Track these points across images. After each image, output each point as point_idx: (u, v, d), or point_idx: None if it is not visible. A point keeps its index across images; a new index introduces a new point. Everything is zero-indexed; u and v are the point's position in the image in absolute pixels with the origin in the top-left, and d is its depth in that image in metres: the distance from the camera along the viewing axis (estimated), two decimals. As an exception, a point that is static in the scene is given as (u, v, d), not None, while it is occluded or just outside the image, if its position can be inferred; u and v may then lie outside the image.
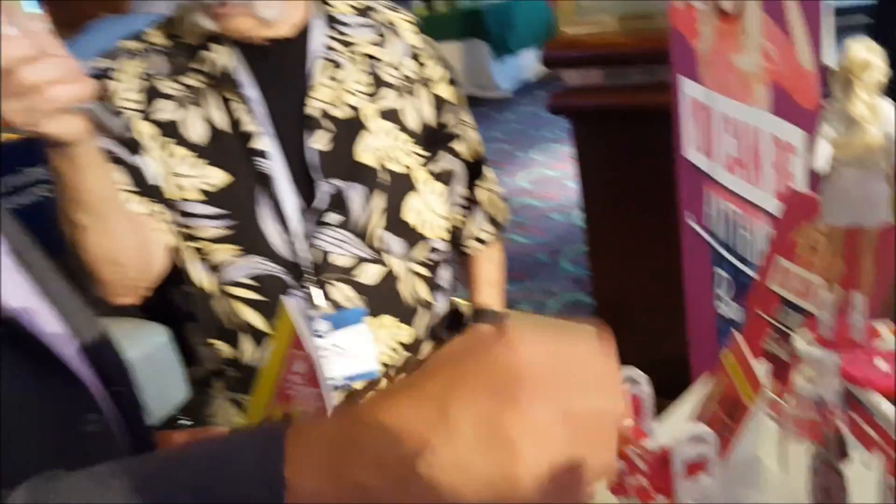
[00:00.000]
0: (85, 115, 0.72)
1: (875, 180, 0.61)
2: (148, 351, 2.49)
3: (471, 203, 1.20)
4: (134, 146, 0.99)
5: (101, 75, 1.01)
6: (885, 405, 0.56)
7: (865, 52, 0.58)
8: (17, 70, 0.64)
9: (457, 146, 1.16)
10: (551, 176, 4.69)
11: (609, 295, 2.07)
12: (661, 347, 1.45)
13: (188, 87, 1.01)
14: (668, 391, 0.89)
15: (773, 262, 0.84)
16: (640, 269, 1.83)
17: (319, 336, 1.02)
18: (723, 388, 0.75)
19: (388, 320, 1.07)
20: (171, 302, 1.12)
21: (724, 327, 1.25)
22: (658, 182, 1.50)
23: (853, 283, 0.65)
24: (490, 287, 1.24)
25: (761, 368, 0.73)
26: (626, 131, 1.78)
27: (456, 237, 1.21)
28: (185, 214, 1.01)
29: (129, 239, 0.93)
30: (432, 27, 6.66)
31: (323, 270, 1.02)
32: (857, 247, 0.65)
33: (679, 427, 0.73)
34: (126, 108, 1.00)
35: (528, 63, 6.98)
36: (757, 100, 1.10)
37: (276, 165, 1.01)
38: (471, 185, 1.20)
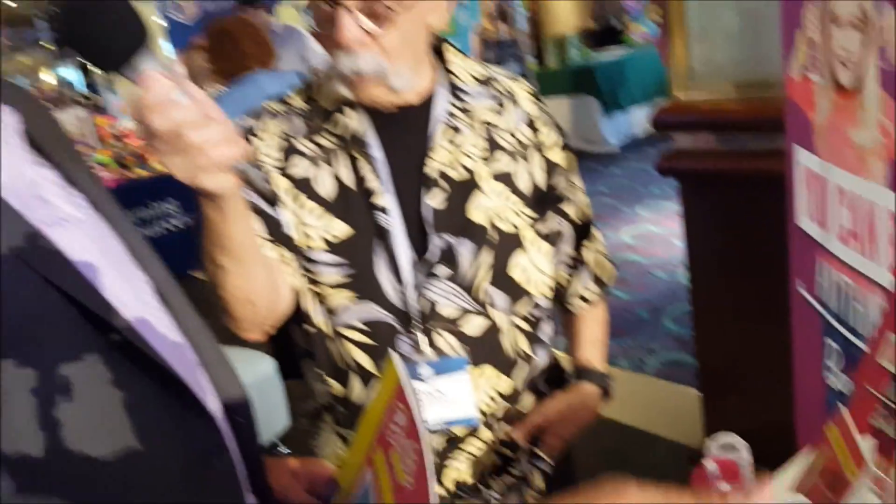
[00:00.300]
0: (236, 171, 0.80)
1: None
2: (255, 379, 2.62)
3: (577, 262, 1.23)
4: (272, 198, 1.08)
5: (247, 133, 1.12)
6: None
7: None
8: (184, 133, 0.73)
9: (566, 208, 1.20)
10: (656, 233, 4.64)
11: (713, 358, 2.04)
12: (765, 415, 1.42)
13: (321, 146, 1.10)
14: (769, 460, 0.89)
15: (885, 337, 0.83)
16: (747, 334, 1.80)
17: (422, 380, 1.07)
18: (825, 460, 0.75)
19: (488, 370, 1.11)
20: (292, 339, 1.20)
21: (831, 399, 1.22)
22: (767, 248, 1.48)
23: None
24: (592, 346, 1.26)
25: (867, 444, 0.72)
26: (737, 195, 1.76)
27: (560, 295, 1.24)
28: (310, 261, 1.09)
29: (263, 281, 1.02)
30: (544, 83, 6.79)
31: (430, 319, 1.08)
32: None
33: (778, 496, 0.74)
34: (266, 164, 1.10)
35: (637, 119, 6.96)
36: (873, 174, 1.09)
37: (394, 220, 1.08)
38: (578, 246, 1.23)
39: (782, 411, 1.42)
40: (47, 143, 0.63)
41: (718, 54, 1.84)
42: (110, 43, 0.67)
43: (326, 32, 1.00)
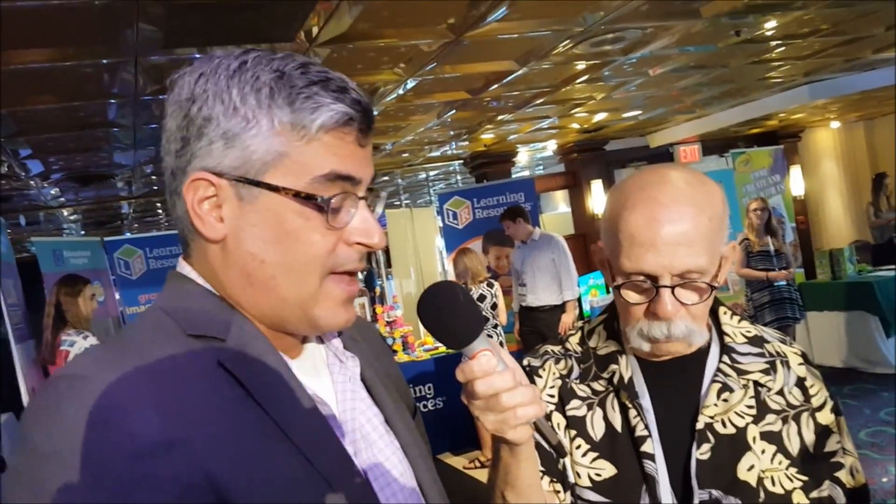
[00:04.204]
0: (533, 424, 0.92)
1: None
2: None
3: None
4: (557, 447, 1.18)
5: (531, 372, 1.24)
6: None
7: None
8: (501, 395, 0.86)
9: (836, 471, 1.16)
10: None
11: None
12: None
13: (594, 389, 1.19)
14: None
15: None
16: None
17: None
18: None
19: None
20: None
21: None
22: None
23: None
24: None
25: None
26: None
27: None
28: (578, 497, 1.16)
29: None
30: (812, 295, 6.41)
31: None
32: None
33: None
34: (545, 401, 1.20)
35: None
36: None
37: (659, 468, 1.12)
38: None
39: None
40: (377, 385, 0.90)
41: None
42: (458, 331, 0.85)
43: (637, 301, 1.09)
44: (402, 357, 5.99)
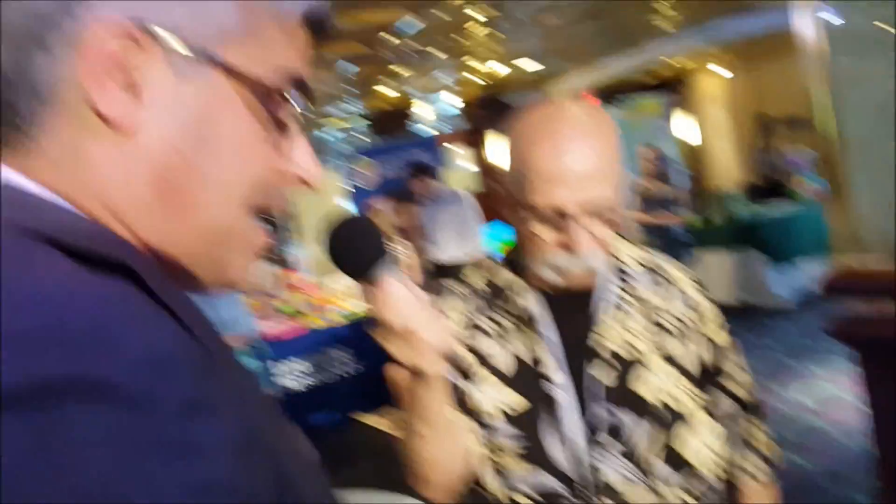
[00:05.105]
0: (445, 355, 0.94)
1: None
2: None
3: (747, 442, 1.25)
4: (464, 373, 1.20)
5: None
6: None
7: None
8: (410, 324, 0.88)
9: (733, 388, 1.23)
10: (833, 393, 4.36)
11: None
12: None
13: (499, 324, 1.22)
14: None
15: None
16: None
17: None
18: None
19: None
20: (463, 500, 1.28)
21: None
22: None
23: None
24: None
25: None
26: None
27: (731, 475, 1.25)
28: (490, 431, 1.18)
29: (455, 449, 1.13)
30: (706, 237, 6.73)
31: (599, 491, 1.13)
32: None
33: None
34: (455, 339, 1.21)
35: (808, 274, 6.70)
36: None
37: (567, 395, 1.16)
38: (746, 425, 1.25)
39: None
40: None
41: (884, 221, 1.84)
42: (358, 257, 0.87)
43: (549, 236, 1.10)
44: (318, 322, 5.93)
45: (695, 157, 10.19)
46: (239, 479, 0.40)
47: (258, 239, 0.57)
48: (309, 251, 8.37)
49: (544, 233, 1.10)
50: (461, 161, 12.29)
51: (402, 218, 6.98)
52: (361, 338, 5.96)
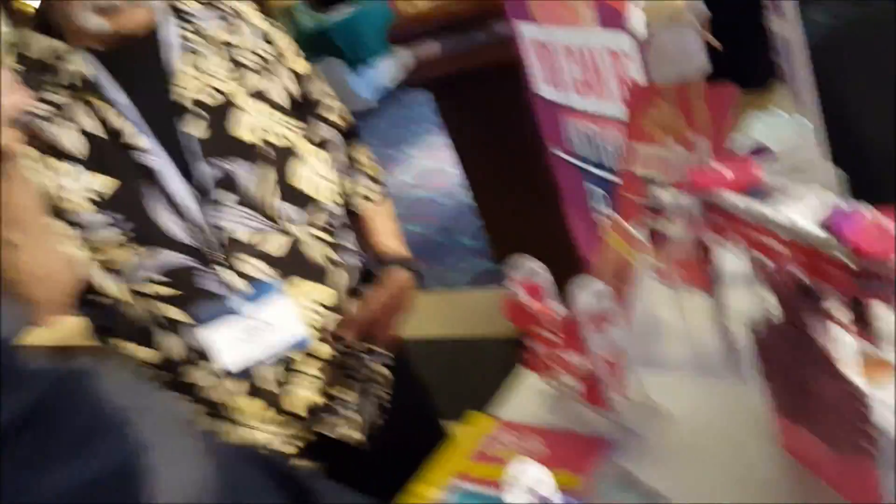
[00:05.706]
0: (21, 126, 0.73)
1: (687, 35, 0.70)
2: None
3: (353, 165, 1.27)
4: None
5: None
6: (732, 196, 0.63)
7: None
8: None
9: (326, 114, 1.22)
10: (431, 166, 4.79)
11: (506, 247, 2.14)
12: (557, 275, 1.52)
13: (52, 102, 1.01)
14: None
15: (630, 149, 0.92)
16: (530, 216, 1.90)
17: (241, 315, 1.05)
18: (610, 259, 0.83)
19: (304, 285, 1.10)
20: (86, 317, 1.11)
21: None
22: (525, 130, 1.58)
23: (694, 130, 0.73)
24: (390, 237, 1.29)
25: (638, 231, 0.81)
26: (485, 89, 1.85)
27: (348, 202, 1.26)
28: (82, 227, 1.01)
29: (57, 253, 0.94)
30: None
31: (229, 249, 1.05)
32: (688, 98, 0.73)
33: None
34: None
35: (385, 70, 7.06)
36: (585, 21, 1.19)
37: (159, 159, 1.02)
38: (348, 149, 1.26)
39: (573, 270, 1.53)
40: None
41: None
42: None
43: None
44: None
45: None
46: None
47: None
48: None
49: None
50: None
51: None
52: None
